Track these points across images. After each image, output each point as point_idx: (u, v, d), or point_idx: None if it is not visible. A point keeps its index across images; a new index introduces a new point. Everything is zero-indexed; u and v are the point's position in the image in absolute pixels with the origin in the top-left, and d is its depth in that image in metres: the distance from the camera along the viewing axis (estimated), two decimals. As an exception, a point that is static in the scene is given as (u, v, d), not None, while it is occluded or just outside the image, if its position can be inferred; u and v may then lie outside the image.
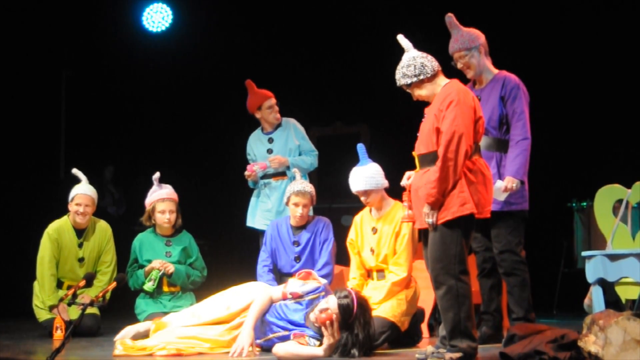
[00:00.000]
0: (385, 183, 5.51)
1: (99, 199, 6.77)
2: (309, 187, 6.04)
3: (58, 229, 6.48)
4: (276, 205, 6.65)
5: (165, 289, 6.44)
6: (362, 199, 5.51)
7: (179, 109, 10.18)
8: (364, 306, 4.84)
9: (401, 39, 4.75)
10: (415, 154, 4.69)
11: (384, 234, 5.48)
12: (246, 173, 6.72)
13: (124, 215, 10.20)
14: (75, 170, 6.60)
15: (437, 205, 4.44)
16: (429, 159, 4.54)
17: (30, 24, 9.34)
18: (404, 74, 4.64)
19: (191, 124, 10.18)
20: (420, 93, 4.67)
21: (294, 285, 5.23)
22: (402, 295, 5.45)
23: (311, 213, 6.24)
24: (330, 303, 4.81)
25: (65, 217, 6.56)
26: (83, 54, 9.77)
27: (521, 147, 5.38)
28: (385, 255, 5.47)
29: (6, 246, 8.69)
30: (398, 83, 4.69)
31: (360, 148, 5.57)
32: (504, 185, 5.31)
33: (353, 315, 4.77)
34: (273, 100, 6.81)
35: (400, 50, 4.75)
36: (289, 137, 6.82)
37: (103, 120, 10.07)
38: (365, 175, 5.45)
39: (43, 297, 6.36)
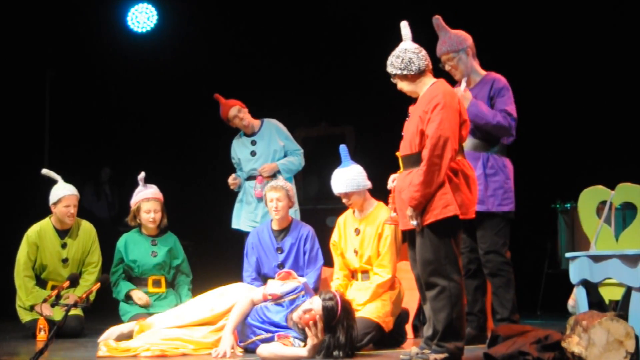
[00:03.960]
0: (368, 184, 5.51)
1: (94, 201, 6.77)
2: (283, 182, 6.05)
3: (39, 232, 6.47)
4: (261, 207, 6.65)
5: (150, 289, 6.42)
6: (344, 200, 5.52)
7: (164, 109, 10.13)
8: (347, 309, 4.84)
9: (404, 26, 4.69)
10: (399, 154, 4.69)
11: (367, 235, 5.48)
12: (231, 185, 6.74)
13: (113, 217, 10.16)
14: (45, 171, 6.57)
15: (420, 208, 4.43)
16: (413, 160, 4.53)
17: (12, 24, 9.28)
18: (391, 62, 4.62)
19: (176, 125, 10.14)
20: (402, 86, 4.66)
21: (274, 286, 5.23)
22: (387, 296, 5.46)
23: (297, 217, 6.24)
24: (315, 304, 4.81)
25: (47, 219, 6.54)
26: (67, 54, 9.71)
27: (502, 117, 5.38)
28: (369, 257, 5.48)
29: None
30: (387, 68, 4.67)
31: (343, 149, 5.56)
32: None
33: (337, 317, 4.77)
34: (236, 109, 6.84)
35: (388, 49, 4.70)
36: (272, 139, 6.83)
37: (87, 122, 10.01)
38: (347, 177, 5.45)
39: (22, 297, 6.36)
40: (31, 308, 6.33)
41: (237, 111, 6.83)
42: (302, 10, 9.68)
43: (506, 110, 5.42)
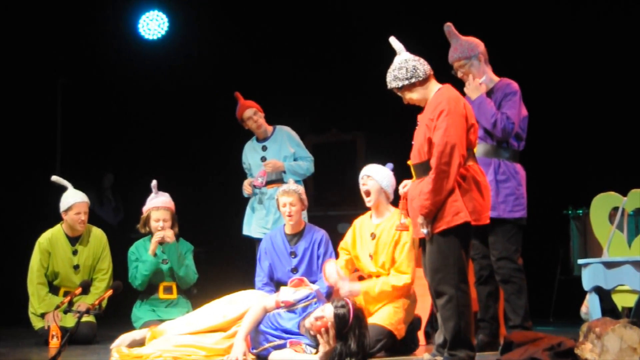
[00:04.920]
0: (391, 190, 5.52)
1: (98, 207, 6.79)
2: (295, 186, 6.05)
3: (50, 239, 6.50)
4: (272, 213, 6.66)
5: (162, 296, 6.44)
6: (366, 197, 5.53)
7: (175, 116, 10.17)
8: (359, 317, 4.83)
9: (393, 41, 4.70)
10: (410, 163, 4.69)
11: (382, 241, 5.48)
12: (245, 188, 6.75)
13: (121, 222, 10.18)
14: (55, 178, 6.59)
15: (430, 216, 4.42)
16: (423, 168, 4.53)
17: (25, 32, 9.33)
18: (395, 76, 4.60)
19: (187, 132, 10.17)
20: (411, 96, 4.63)
21: (286, 293, 5.23)
22: (400, 303, 5.44)
23: (306, 219, 6.25)
24: (327, 311, 4.79)
25: (58, 226, 6.57)
26: (79, 62, 9.76)
27: (499, 119, 5.39)
28: (383, 262, 5.47)
29: (1, 254, 8.68)
30: (389, 86, 4.63)
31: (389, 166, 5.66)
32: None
33: (348, 325, 4.75)
34: (252, 111, 6.85)
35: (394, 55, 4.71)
36: (282, 145, 6.84)
37: (99, 128, 10.05)
38: (379, 171, 5.52)
39: (34, 305, 6.40)
40: (42, 316, 6.35)
41: (252, 113, 6.86)
42: (313, 16, 9.70)
43: (506, 114, 5.42)
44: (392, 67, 4.63)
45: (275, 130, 6.96)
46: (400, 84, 4.60)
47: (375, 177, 5.52)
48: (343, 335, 4.75)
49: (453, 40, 5.54)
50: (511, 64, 6.80)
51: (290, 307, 5.14)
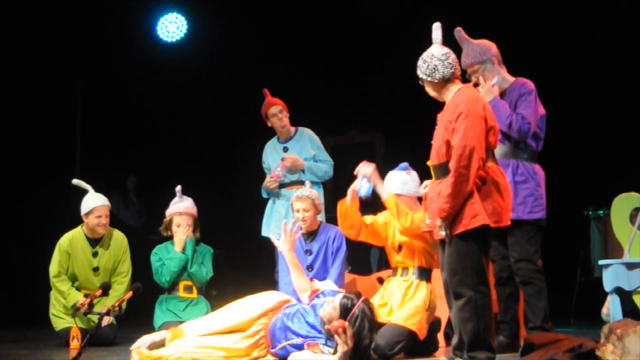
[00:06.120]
0: (419, 192, 5.45)
1: (123, 210, 6.82)
2: (308, 192, 6.07)
3: (71, 240, 6.53)
4: (291, 214, 6.67)
5: (182, 294, 6.47)
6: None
7: (194, 119, 10.22)
8: (365, 311, 4.84)
9: (435, 28, 4.60)
10: (429, 164, 4.69)
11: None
12: (268, 182, 6.75)
13: (143, 225, 10.24)
14: (76, 181, 6.62)
15: (449, 219, 4.40)
16: (441, 169, 4.51)
17: (43, 34, 9.40)
18: (419, 65, 4.58)
19: (206, 134, 10.22)
20: (428, 90, 4.63)
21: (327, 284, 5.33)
22: (421, 301, 5.41)
23: (323, 221, 6.28)
24: (336, 300, 4.86)
25: (78, 228, 6.60)
26: (98, 65, 9.82)
27: (514, 120, 5.36)
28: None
29: (23, 256, 8.76)
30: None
31: (402, 165, 5.59)
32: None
33: (350, 314, 4.77)
34: (278, 109, 6.86)
35: (418, 55, 4.63)
36: (303, 147, 6.86)
37: (118, 131, 10.12)
38: (400, 179, 5.48)
39: (61, 301, 6.42)
40: (74, 308, 6.36)
41: (278, 111, 6.88)
42: (332, 18, 9.71)
43: (521, 114, 5.40)
44: (423, 54, 4.59)
45: (297, 132, 6.98)
46: (421, 75, 4.60)
47: (401, 191, 5.44)
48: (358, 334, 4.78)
49: (464, 45, 5.50)
50: (528, 61, 6.78)
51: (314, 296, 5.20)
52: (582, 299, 8.32)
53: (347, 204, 5.45)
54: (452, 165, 4.37)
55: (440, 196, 4.41)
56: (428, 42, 4.64)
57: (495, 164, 4.56)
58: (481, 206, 4.38)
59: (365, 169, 5.37)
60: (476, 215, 4.36)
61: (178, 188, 6.53)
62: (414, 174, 5.56)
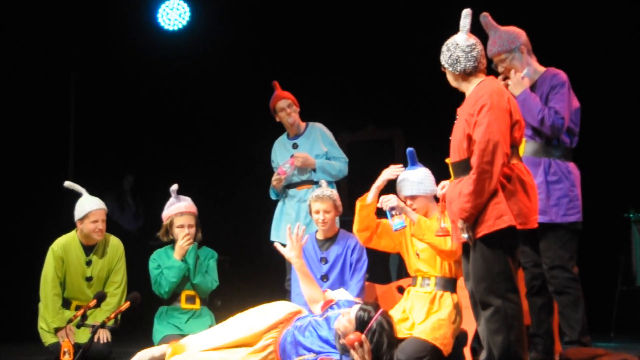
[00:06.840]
0: (435, 190, 5.44)
1: (118, 213, 6.78)
2: (329, 192, 6.05)
3: (64, 245, 6.48)
4: (302, 217, 6.64)
5: (184, 305, 6.42)
6: (408, 203, 5.47)
7: (197, 113, 10.21)
8: (383, 324, 4.83)
9: (465, 15, 4.59)
10: (448, 161, 4.64)
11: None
12: (274, 180, 6.72)
13: (140, 229, 10.23)
14: (68, 183, 6.57)
15: (471, 220, 4.37)
16: (462, 167, 4.48)
17: (34, 23, 9.41)
18: (442, 51, 4.60)
19: (209, 130, 10.20)
20: (449, 79, 4.64)
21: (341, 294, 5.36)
22: (445, 314, 5.37)
23: (338, 224, 6.23)
24: (352, 312, 4.89)
25: (72, 233, 6.56)
26: (93, 55, 9.82)
27: (547, 114, 5.28)
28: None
29: (10, 265, 8.76)
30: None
31: (410, 153, 5.55)
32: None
33: (367, 328, 4.82)
34: (286, 102, 6.86)
35: (438, 49, 4.65)
36: (314, 143, 6.83)
37: (115, 127, 10.11)
38: (414, 179, 5.46)
39: (47, 318, 6.36)
40: (55, 331, 6.34)
41: (287, 105, 6.86)
42: (348, 9, 9.67)
43: (554, 108, 5.34)
44: (448, 41, 4.61)
45: (307, 127, 6.95)
46: (442, 63, 4.61)
47: (418, 192, 5.44)
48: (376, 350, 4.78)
49: (491, 32, 5.46)
50: (560, 49, 6.72)
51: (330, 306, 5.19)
52: (623, 310, 8.26)
53: (367, 202, 5.43)
54: (474, 161, 4.34)
55: (461, 195, 4.37)
56: (451, 31, 4.61)
57: (519, 161, 4.54)
58: (506, 206, 4.34)
59: (389, 204, 5.33)
60: (501, 215, 4.32)
61: (173, 187, 6.47)
62: (424, 170, 5.54)
